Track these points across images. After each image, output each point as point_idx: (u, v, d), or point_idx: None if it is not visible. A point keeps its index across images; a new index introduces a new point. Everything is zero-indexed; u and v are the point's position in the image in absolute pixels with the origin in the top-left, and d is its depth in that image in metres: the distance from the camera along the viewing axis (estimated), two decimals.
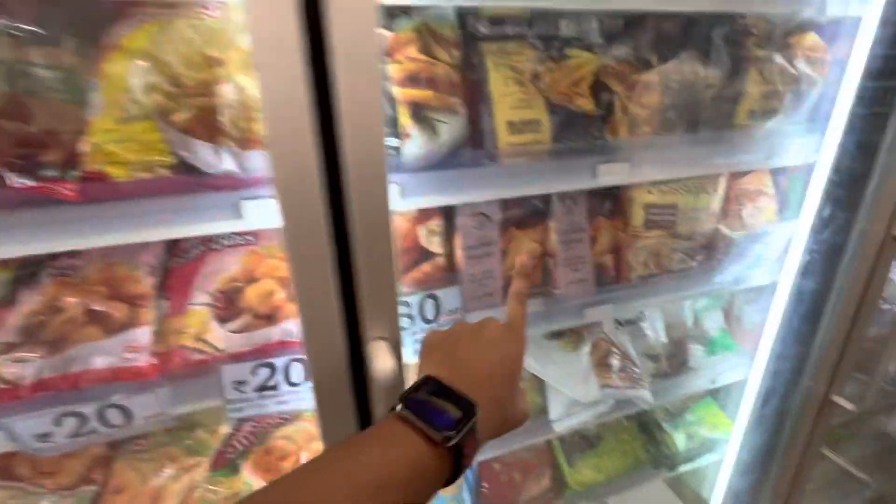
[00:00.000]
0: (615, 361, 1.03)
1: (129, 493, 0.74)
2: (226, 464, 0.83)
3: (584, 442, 1.20)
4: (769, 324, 1.08)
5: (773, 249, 1.03)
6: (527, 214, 0.87)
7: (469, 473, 1.09)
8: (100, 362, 0.65)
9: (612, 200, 0.94)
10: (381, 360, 0.50)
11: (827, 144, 0.92)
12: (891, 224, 0.85)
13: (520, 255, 0.57)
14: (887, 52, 0.82)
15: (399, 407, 0.38)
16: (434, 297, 0.78)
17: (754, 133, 0.90)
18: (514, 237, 0.87)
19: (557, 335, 1.01)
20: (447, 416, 0.37)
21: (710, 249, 1.01)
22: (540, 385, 1.01)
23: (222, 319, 0.76)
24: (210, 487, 0.76)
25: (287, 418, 0.89)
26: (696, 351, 1.16)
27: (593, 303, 0.92)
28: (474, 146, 0.76)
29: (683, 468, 1.21)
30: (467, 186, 0.74)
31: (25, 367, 0.64)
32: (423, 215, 0.80)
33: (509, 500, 1.10)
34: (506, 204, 0.83)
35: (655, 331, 1.11)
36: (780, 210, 1.05)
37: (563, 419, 0.98)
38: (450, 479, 0.38)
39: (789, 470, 1.07)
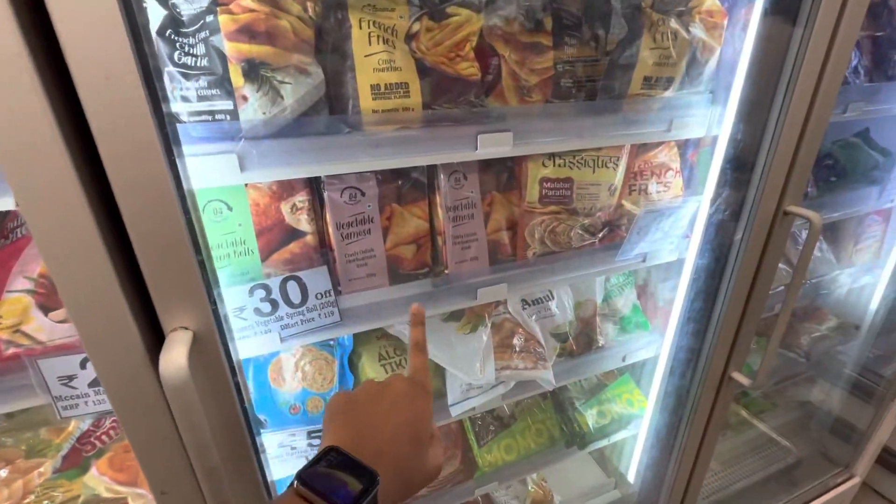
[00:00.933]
0: (518, 342, 0.99)
1: None
2: (80, 462, 0.76)
3: (497, 423, 1.18)
4: (677, 301, 1.07)
5: (680, 226, 1.00)
6: (408, 188, 0.80)
7: None
8: None
9: (507, 174, 0.89)
10: (168, 354, 0.44)
11: (728, 116, 0.89)
12: (781, 199, 0.83)
13: (413, 305, 0.55)
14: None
15: (296, 483, 0.38)
16: (297, 280, 0.72)
17: (652, 103, 0.85)
18: (395, 213, 0.80)
19: (455, 317, 0.97)
20: (346, 490, 0.37)
21: (614, 226, 0.97)
22: (439, 368, 0.97)
23: (46, 308, 0.68)
24: (46, 492, 0.69)
25: None
26: (607, 329, 1.15)
27: (487, 282, 0.87)
28: (333, 111, 0.68)
29: (595, 445, 1.21)
30: (326, 157, 0.66)
31: None
32: (284, 189, 0.72)
33: None
34: (381, 177, 0.77)
35: (564, 310, 1.08)
36: (688, 185, 1.02)
37: (459, 403, 0.94)
38: None
39: (693, 443, 1.07)
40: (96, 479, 0.70)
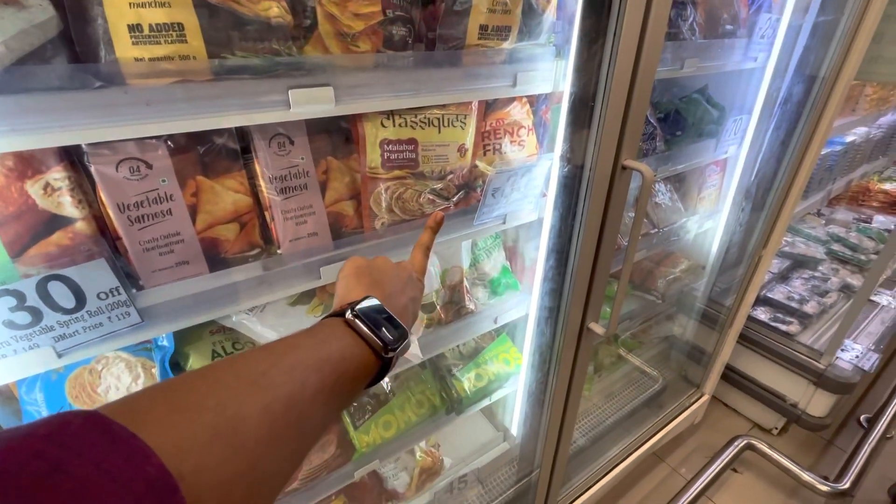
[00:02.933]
0: None
1: None
2: None
3: (374, 401, 1.13)
4: (539, 260, 1.08)
5: (536, 185, 0.99)
6: (214, 157, 0.67)
7: None
8: None
9: (343, 136, 0.79)
10: None
11: (570, 71, 0.87)
12: (618, 153, 0.84)
13: (434, 212, 0.65)
14: None
15: (348, 314, 0.43)
16: (63, 279, 0.57)
17: (494, 56, 0.80)
18: (202, 188, 0.67)
19: (304, 299, 0.87)
20: (388, 332, 0.44)
21: (469, 189, 0.93)
22: None
23: None
24: None
25: None
26: (477, 293, 1.14)
27: (332, 259, 0.79)
28: (77, 59, 0.53)
29: (474, 409, 1.22)
30: (73, 120, 0.51)
31: None
32: (26, 165, 0.56)
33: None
34: (173, 144, 0.63)
35: (429, 279, 1.04)
36: (542, 143, 1.01)
37: None
38: (370, 384, 0.44)
39: (560, 393, 1.12)
40: None
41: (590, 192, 0.86)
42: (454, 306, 1.08)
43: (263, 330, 0.81)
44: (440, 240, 0.92)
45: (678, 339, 2.20)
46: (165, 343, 0.76)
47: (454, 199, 0.91)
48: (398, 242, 0.86)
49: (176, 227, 0.66)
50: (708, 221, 1.69)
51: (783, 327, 2.04)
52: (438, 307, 1.04)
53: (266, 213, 0.74)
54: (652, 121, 1.33)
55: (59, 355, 0.60)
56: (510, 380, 1.28)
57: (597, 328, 1.03)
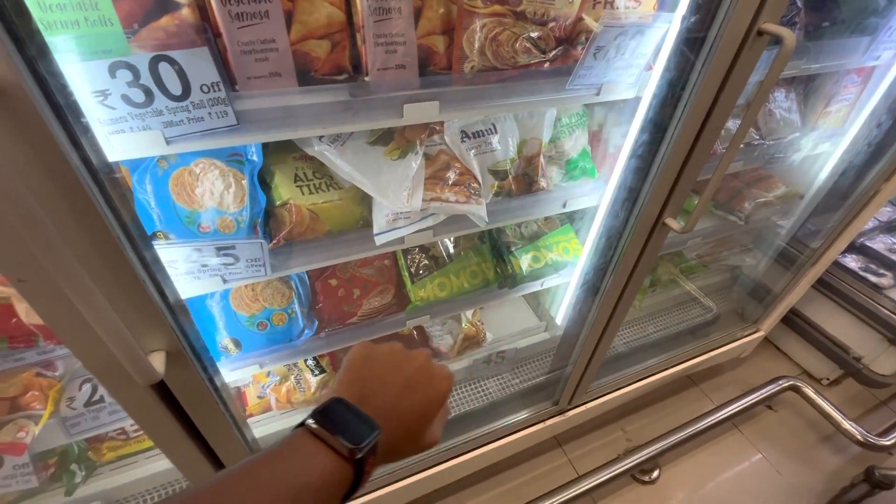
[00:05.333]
0: (452, 175, 0.93)
1: None
2: None
3: (433, 262, 1.18)
4: (626, 143, 1.00)
5: (644, 52, 0.88)
6: None
7: (300, 288, 1.05)
8: None
9: None
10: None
11: None
12: (757, 14, 0.71)
13: None
14: None
15: (310, 421, 0.40)
16: (171, 62, 0.59)
17: None
18: None
19: (383, 140, 0.87)
20: (354, 432, 0.40)
21: (569, 45, 0.85)
22: (364, 196, 0.92)
23: None
24: None
25: None
26: (551, 172, 1.09)
27: (416, 98, 0.77)
28: None
29: (526, 288, 1.25)
30: None
31: None
32: None
33: (347, 314, 1.10)
34: None
35: (506, 146, 1.00)
36: (662, 1, 0.87)
37: (385, 232, 0.91)
38: (349, 493, 0.40)
39: (618, 283, 1.11)
40: None
41: (710, 61, 0.76)
42: (526, 179, 1.06)
43: (342, 164, 0.84)
44: (525, 100, 0.87)
45: (744, 272, 2.08)
46: (255, 158, 0.80)
47: (550, 55, 0.83)
48: (483, 93, 0.82)
49: (272, 33, 0.66)
50: (824, 143, 1.48)
51: (873, 278, 1.86)
52: (510, 177, 1.02)
53: (357, 35, 0.72)
54: (798, 1, 1.10)
55: (168, 142, 0.65)
56: (565, 269, 1.28)
57: (673, 224, 0.97)
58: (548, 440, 1.71)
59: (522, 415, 1.49)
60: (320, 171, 0.88)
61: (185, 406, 0.76)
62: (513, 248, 1.21)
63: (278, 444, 0.40)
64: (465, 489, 1.59)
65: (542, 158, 1.05)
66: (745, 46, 0.75)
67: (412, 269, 1.15)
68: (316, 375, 1.22)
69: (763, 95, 0.76)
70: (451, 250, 1.21)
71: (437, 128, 0.94)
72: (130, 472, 1.16)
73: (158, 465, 1.18)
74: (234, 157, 0.80)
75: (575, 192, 1.12)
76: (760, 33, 0.73)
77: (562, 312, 1.43)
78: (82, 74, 0.56)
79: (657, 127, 0.88)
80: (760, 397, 1.85)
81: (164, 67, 0.59)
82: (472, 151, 0.97)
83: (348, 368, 0.48)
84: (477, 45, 0.77)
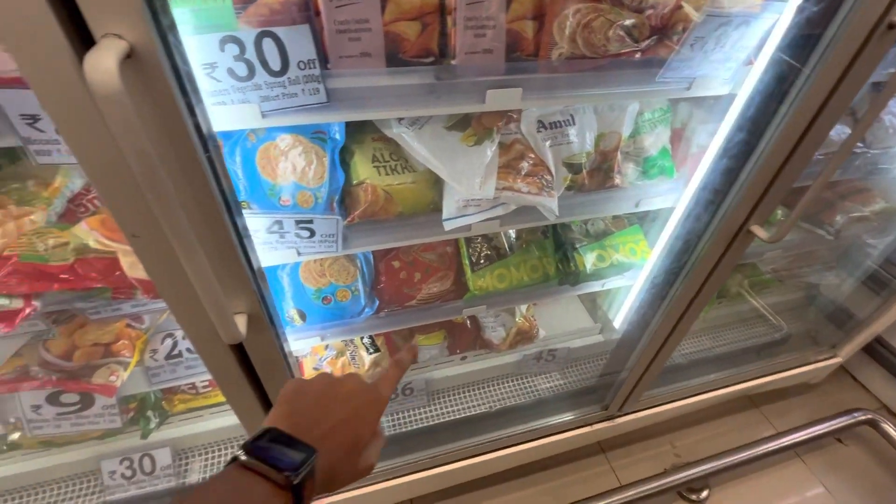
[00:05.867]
0: (526, 165, 0.91)
1: None
2: (74, 222, 0.78)
3: (494, 252, 1.17)
4: (714, 142, 0.94)
5: (746, 45, 0.82)
6: None
7: (364, 267, 1.08)
8: None
9: None
10: (95, 55, 0.37)
11: None
12: (892, 4, 0.64)
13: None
14: None
15: (241, 454, 0.40)
16: (274, 38, 0.62)
17: None
18: None
19: (460, 126, 0.87)
20: (287, 459, 0.40)
21: (663, 35, 0.80)
22: (438, 181, 0.92)
23: None
24: (39, 236, 0.71)
25: None
26: (627, 169, 1.05)
27: (499, 84, 0.76)
28: None
29: (588, 287, 1.21)
30: None
31: None
32: None
33: (406, 296, 1.12)
34: None
35: (583, 138, 0.97)
36: None
37: (454, 218, 0.91)
38: None
39: (691, 289, 1.05)
40: (86, 232, 0.71)
41: (828, 56, 0.69)
42: (600, 175, 1.02)
43: (419, 147, 0.84)
44: (610, 91, 0.83)
45: (823, 292, 1.91)
46: (338, 136, 0.83)
47: (643, 44, 0.79)
48: (567, 81, 0.79)
49: (366, 13, 0.67)
50: None
51: None
52: (585, 171, 0.99)
53: (448, 18, 0.71)
54: None
55: (263, 115, 0.68)
56: (630, 271, 1.23)
57: (760, 232, 0.91)
58: (591, 445, 1.67)
59: (568, 416, 1.46)
60: (396, 152, 0.89)
61: (257, 368, 0.81)
62: (577, 245, 1.18)
63: (210, 480, 0.39)
64: (504, 482, 1.58)
65: (619, 154, 1.01)
66: (870, 41, 0.68)
67: (473, 258, 1.15)
68: (370, 353, 1.26)
69: (885, 98, 0.69)
70: (514, 242, 1.19)
71: (515, 116, 0.93)
72: (196, 425, 1.25)
73: (221, 420, 1.27)
74: (317, 135, 0.83)
75: (650, 191, 1.07)
76: (892, 27, 0.66)
77: (621, 316, 1.38)
78: (195, 46, 0.60)
79: (755, 126, 0.82)
80: (831, 428, 1.71)
81: (267, 43, 0.62)
82: (548, 142, 0.95)
83: (280, 403, 0.48)
84: (568, 31, 0.74)
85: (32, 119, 0.60)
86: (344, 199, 0.89)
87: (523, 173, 0.91)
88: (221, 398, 1.26)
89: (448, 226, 0.92)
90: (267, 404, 0.89)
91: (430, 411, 1.46)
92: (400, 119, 0.85)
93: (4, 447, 1.14)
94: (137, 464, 1.19)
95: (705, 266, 1.00)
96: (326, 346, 1.28)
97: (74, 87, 0.43)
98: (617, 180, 1.03)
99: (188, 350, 1.01)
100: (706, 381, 1.63)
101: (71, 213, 0.80)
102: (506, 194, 0.90)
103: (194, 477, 1.27)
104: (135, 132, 0.40)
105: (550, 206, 0.93)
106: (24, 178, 0.74)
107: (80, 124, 0.46)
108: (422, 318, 1.15)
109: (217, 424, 1.26)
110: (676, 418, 1.70)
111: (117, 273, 0.72)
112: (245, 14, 0.63)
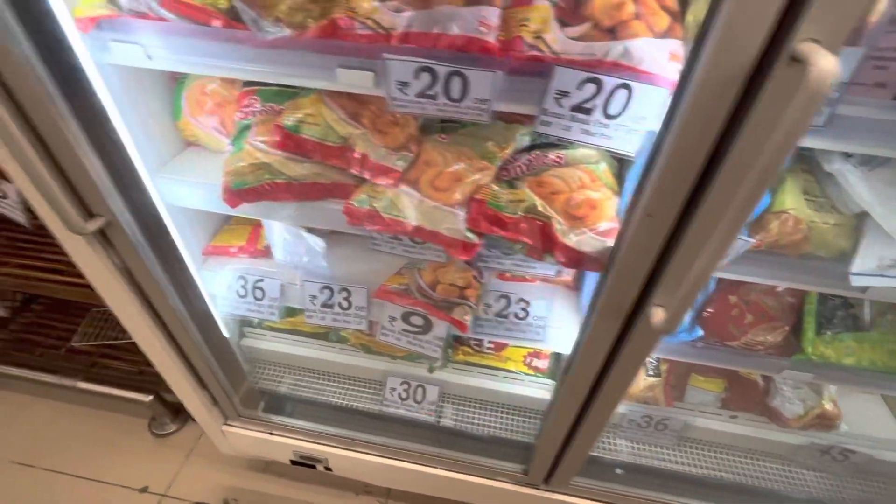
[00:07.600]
0: None
1: (435, 169, 0.87)
2: (505, 180, 0.90)
3: (849, 319, 1.01)
4: None
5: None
6: None
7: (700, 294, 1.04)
8: (455, 28, 0.69)
9: None
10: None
11: None
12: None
13: None
14: None
15: None
16: None
17: None
18: None
19: None
20: None
21: None
22: (857, 228, 0.82)
23: (563, 22, 0.72)
24: (495, 188, 0.85)
25: (560, 162, 0.89)
26: None
27: None
28: None
29: None
30: None
31: (399, 17, 0.71)
32: None
33: (730, 335, 1.04)
34: None
35: None
36: None
37: (869, 275, 0.80)
38: None
39: None
40: (530, 195, 0.83)
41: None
42: None
43: (863, 189, 0.76)
44: None
45: None
46: None
47: None
48: None
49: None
50: None
51: None
52: None
53: None
54: None
55: None
56: None
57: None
58: None
59: None
60: (823, 190, 0.82)
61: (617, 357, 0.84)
62: None
63: None
64: None
65: None
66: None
67: (822, 319, 1.02)
68: (649, 376, 1.22)
69: None
70: (877, 314, 1.02)
71: None
72: (466, 378, 1.39)
73: (487, 382, 1.38)
74: None
75: None
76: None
77: None
78: None
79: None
80: None
81: None
82: None
83: None
84: None
85: (562, 95, 0.71)
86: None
87: None
88: (496, 362, 1.37)
89: (856, 281, 0.81)
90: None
91: (674, 456, 1.36)
92: (849, 155, 0.78)
93: (335, 338, 1.44)
94: (413, 390, 1.38)
95: None
96: None
97: None
98: None
99: (515, 315, 1.11)
100: None
101: (500, 171, 0.92)
102: None
103: (445, 421, 1.41)
104: None
105: None
106: (485, 139, 0.89)
107: None
108: (735, 362, 1.07)
109: (481, 384, 1.38)
110: None
111: (543, 237, 0.82)
112: None
